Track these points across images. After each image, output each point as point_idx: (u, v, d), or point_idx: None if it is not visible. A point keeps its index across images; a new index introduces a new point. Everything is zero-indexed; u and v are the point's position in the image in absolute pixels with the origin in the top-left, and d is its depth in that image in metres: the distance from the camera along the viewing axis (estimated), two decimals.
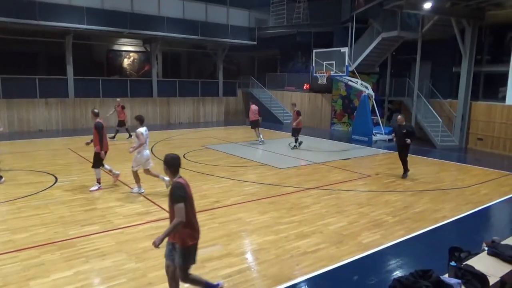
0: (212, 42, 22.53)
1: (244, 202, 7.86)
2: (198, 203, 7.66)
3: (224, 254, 5.52)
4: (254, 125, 15.46)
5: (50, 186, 8.79)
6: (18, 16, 15.95)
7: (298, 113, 14.31)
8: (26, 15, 16.09)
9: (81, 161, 11.64)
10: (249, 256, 5.55)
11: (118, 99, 16.65)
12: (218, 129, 20.35)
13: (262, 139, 15.37)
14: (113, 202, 7.76)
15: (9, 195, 8.07)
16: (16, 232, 6.10)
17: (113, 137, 15.31)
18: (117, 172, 9.00)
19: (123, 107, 16.00)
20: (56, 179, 9.43)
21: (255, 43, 23.19)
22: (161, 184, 8.92)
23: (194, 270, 5.00)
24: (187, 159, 12.01)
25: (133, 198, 8.06)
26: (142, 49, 23.35)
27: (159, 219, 6.84)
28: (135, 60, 24.12)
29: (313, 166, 11.67)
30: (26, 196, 7.99)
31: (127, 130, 15.97)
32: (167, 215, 6.99)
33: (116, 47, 23.34)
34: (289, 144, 14.88)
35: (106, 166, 8.89)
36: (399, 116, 10.05)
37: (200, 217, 6.88)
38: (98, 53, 22.72)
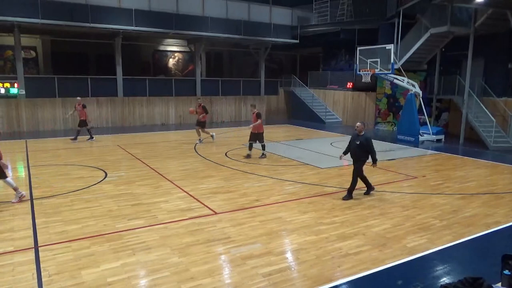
0: (255, 41, 22.66)
1: (284, 201, 7.85)
2: (238, 201, 7.81)
3: (264, 252, 5.55)
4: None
5: (100, 181, 9.25)
6: (72, 19, 16.92)
7: (258, 116, 11.93)
8: (79, 18, 17.02)
9: (128, 157, 12.13)
10: (289, 256, 5.54)
11: (79, 98, 15.25)
12: None
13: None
14: (158, 197, 8.02)
15: (63, 188, 8.58)
16: (69, 224, 6.48)
17: (75, 138, 14.64)
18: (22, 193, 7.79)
19: (84, 106, 14.88)
20: (106, 174, 9.90)
21: (298, 41, 23.05)
22: (202, 182, 9.14)
23: (234, 267, 5.08)
24: (228, 157, 12.18)
25: (176, 194, 8.29)
26: (186, 49, 23.98)
27: (200, 215, 6.99)
28: (180, 60, 24.79)
29: None
30: (78, 190, 8.46)
31: (89, 131, 15.00)
32: (208, 211, 7.17)
33: (162, 48, 24.12)
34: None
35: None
36: (358, 124, 8.11)
37: (240, 215, 7.00)
38: (145, 54, 23.61)
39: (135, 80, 20.33)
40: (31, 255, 5.34)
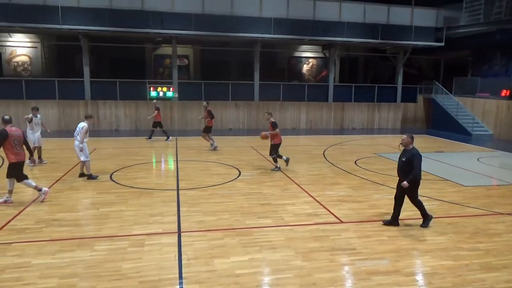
0: (393, 45, 21.51)
1: (417, 218, 7.25)
2: (366, 212, 7.52)
3: (391, 270, 5.23)
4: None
5: (234, 179, 10.00)
6: (219, 30, 18.70)
7: (274, 125, 10.87)
8: (225, 28, 18.70)
9: (260, 158, 12.81)
10: (420, 279, 5.10)
11: (154, 101, 16.35)
12: (393, 137, 19.26)
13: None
14: (285, 199, 8.27)
15: (203, 182, 9.55)
16: (206, 215, 7.18)
17: (150, 137, 15.82)
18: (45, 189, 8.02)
19: (157, 109, 15.84)
20: (240, 172, 10.65)
21: (443, 44, 21.02)
22: (330, 188, 9.08)
23: (358, 280, 4.91)
24: (358, 166, 11.83)
25: (303, 198, 8.42)
26: (320, 54, 24.13)
27: (326, 222, 6.96)
28: (314, 66, 25.08)
29: (509, 187, 9.86)
30: (216, 185, 9.30)
31: (164, 132, 15.92)
32: (334, 219, 7.09)
33: (297, 54, 24.79)
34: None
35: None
36: (404, 136, 6.79)
37: (368, 227, 6.72)
38: (280, 60, 24.62)
39: (270, 85, 21.36)
40: (174, 238, 6.09)
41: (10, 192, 7.73)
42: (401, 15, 20.94)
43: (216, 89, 20.60)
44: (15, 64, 21.59)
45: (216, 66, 22.80)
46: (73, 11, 17.50)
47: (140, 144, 15.32)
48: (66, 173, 10.19)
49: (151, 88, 19.85)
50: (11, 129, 7.45)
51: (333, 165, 11.98)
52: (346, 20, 20.05)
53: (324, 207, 7.83)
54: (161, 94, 19.88)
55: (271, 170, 11.05)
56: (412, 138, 6.77)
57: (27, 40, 21.42)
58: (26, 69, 21.74)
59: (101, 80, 19.57)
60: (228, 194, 8.57)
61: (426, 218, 6.90)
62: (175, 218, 7.01)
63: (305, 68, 24.99)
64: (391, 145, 16.15)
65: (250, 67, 21.16)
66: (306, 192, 8.89)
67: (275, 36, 19.38)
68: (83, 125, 9.45)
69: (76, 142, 9.47)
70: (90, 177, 9.61)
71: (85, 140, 9.45)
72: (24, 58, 21.72)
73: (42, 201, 7.73)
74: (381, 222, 6.98)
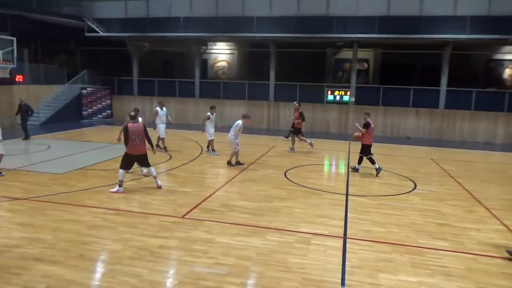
0: None
1: None
2: None
3: None
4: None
5: (408, 191, 9.31)
6: (404, 32, 17.63)
7: (366, 125, 10.82)
8: (411, 30, 17.51)
9: (441, 173, 11.56)
10: None
11: (296, 102, 14.69)
12: None
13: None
14: (468, 223, 7.25)
15: (374, 191, 9.23)
16: (375, 225, 6.92)
17: (287, 136, 15.77)
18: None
19: (301, 114, 14.46)
20: (415, 185, 9.86)
21: None
22: None
23: None
24: None
25: (493, 225, 7.21)
26: None
27: None
28: None
29: None
30: (387, 196, 8.86)
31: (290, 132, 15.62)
32: None
33: (498, 56, 21.25)
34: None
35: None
36: None
37: None
38: (475, 63, 21.53)
39: (460, 92, 18.95)
40: (339, 243, 6.09)
41: (120, 185, 8.33)
42: None
43: (396, 94, 19.55)
44: (217, 68, 25.35)
45: (397, 70, 21.59)
46: (265, 20, 19.38)
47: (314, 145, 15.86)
48: (248, 166, 11.39)
49: (328, 92, 20.26)
50: (132, 125, 8.50)
51: None
52: None
53: None
54: (337, 98, 20.07)
55: (355, 168, 11.25)
56: None
57: (227, 47, 24.82)
58: (224, 73, 25.26)
59: (284, 83, 21.05)
60: (400, 207, 8.05)
61: None
62: (342, 222, 7.00)
63: (508, 72, 21.19)
64: None
65: (436, 71, 19.25)
66: (497, 218, 7.57)
67: (471, 37, 17.09)
68: (238, 122, 10.91)
69: (230, 136, 10.96)
70: (238, 163, 11.20)
71: (237, 137, 10.94)
72: (224, 64, 25.28)
73: (111, 192, 8.27)
74: None
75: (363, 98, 19.89)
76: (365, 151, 10.95)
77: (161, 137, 13.05)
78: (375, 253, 5.78)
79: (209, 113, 12.88)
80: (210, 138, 12.87)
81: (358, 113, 19.87)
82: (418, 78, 21.88)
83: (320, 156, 13.63)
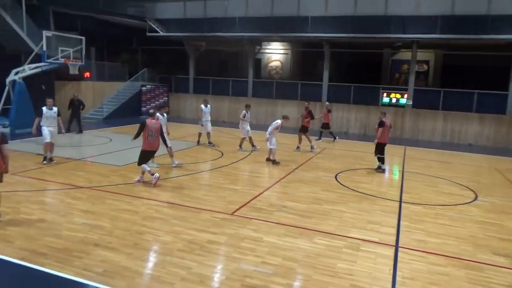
0: None
1: None
2: None
3: None
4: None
5: (468, 202, 8.76)
6: (469, 32, 16.57)
7: (381, 124, 11.22)
8: (477, 30, 16.45)
9: (506, 184, 10.76)
10: None
11: (327, 102, 16.59)
12: None
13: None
14: None
15: (430, 199, 8.78)
16: (430, 235, 6.58)
17: (319, 139, 16.22)
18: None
19: (329, 111, 16.30)
20: (476, 196, 9.25)
21: None
22: None
23: None
24: None
25: None
26: None
27: None
28: None
29: None
30: (444, 205, 8.39)
31: (331, 133, 16.44)
32: None
33: None
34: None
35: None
36: None
37: None
38: None
39: None
40: (391, 251, 5.87)
41: (152, 174, 8.59)
42: None
43: (457, 98, 18.45)
44: (270, 68, 25.44)
45: (459, 72, 20.35)
46: (320, 20, 19.13)
47: (367, 148, 15.40)
48: (298, 167, 11.33)
49: (384, 94, 19.59)
50: (151, 121, 8.75)
51: None
52: None
53: None
54: (393, 100, 19.34)
55: (376, 170, 11.34)
56: None
57: (281, 47, 24.83)
58: (277, 73, 25.30)
59: (337, 84, 20.65)
60: (458, 218, 7.59)
61: None
62: (394, 230, 6.74)
63: None
64: None
65: (503, 74, 17.89)
66: None
67: None
68: (277, 121, 11.36)
69: (267, 132, 11.35)
70: (274, 162, 11.29)
71: (272, 133, 11.23)
72: (277, 63, 25.31)
73: (154, 185, 8.46)
74: None
75: (422, 101, 18.98)
76: (380, 149, 11.35)
77: (208, 131, 13.71)
78: (429, 265, 5.50)
79: (245, 111, 13.27)
80: (245, 136, 13.21)
81: (415, 117, 19.05)
82: (483, 81, 20.45)
83: (372, 160, 13.20)
